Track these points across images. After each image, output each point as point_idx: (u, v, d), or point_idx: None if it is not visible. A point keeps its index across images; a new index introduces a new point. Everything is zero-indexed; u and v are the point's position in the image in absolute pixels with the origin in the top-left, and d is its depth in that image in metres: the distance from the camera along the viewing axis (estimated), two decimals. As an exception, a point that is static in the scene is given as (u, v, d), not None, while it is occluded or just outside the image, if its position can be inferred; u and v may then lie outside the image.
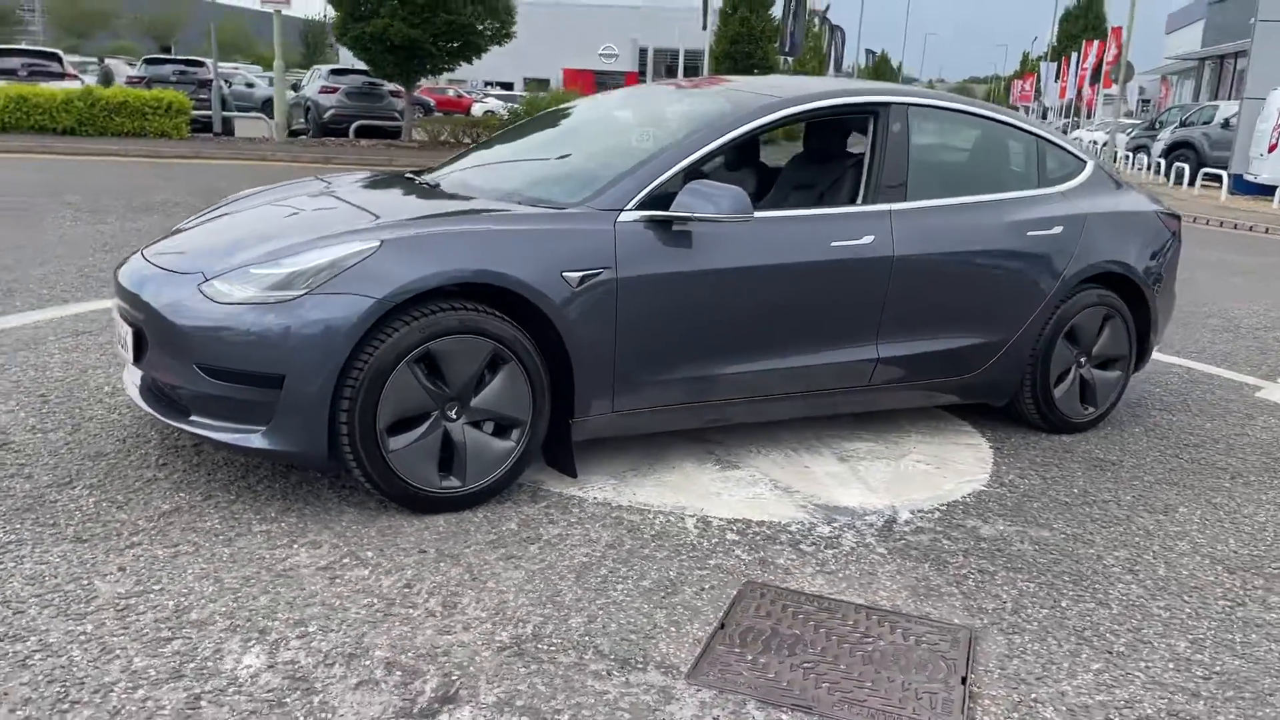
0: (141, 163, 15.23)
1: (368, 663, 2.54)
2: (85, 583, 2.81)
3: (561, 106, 5.16)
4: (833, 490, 3.87)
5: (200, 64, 22.83)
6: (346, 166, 15.40)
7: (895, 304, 4.10)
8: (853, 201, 4.17)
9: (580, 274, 3.45)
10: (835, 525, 3.56)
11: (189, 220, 4.24)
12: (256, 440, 3.20)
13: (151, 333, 3.36)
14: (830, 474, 4.03)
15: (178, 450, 3.80)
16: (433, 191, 4.13)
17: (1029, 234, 4.42)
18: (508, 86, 52.60)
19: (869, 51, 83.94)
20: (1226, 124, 23.12)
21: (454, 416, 3.37)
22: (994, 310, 4.38)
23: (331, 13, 21.17)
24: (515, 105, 30.29)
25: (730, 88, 4.58)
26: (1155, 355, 6.18)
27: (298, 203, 4.08)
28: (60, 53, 22.31)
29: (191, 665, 2.47)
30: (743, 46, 34.06)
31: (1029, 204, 4.51)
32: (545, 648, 2.66)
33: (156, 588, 2.82)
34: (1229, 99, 27.61)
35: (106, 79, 23.94)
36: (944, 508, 3.78)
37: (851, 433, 4.50)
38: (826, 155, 4.65)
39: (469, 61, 21.08)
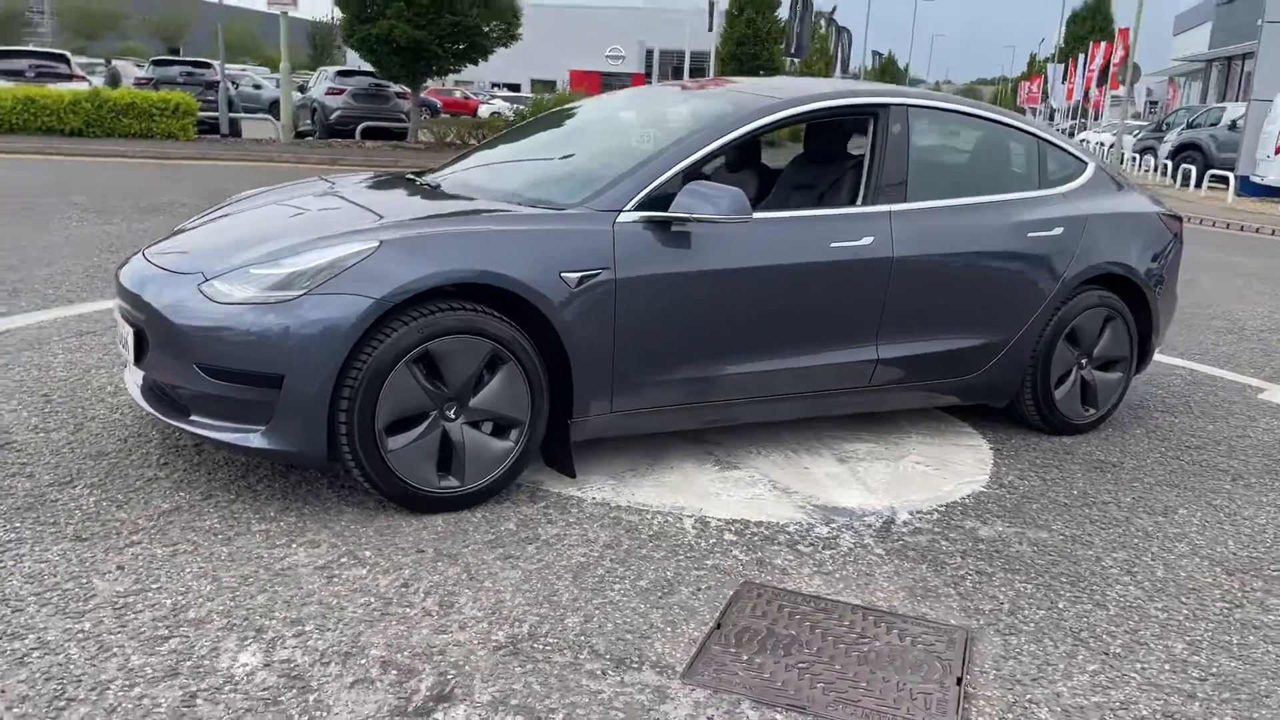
0: (148, 164, 15.29)
1: (363, 661, 2.55)
2: (84, 581, 2.83)
3: (563, 107, 5.17)
4: (832, 491, 3.87)
5: (207, 65, 22.91)
6: (352, 168, 15.43)
7: (895, 305, 4.10)
8: (853, 202, 4.17)
9: (579, 274, 3.46)
10: (833, 526, 3.56)
11: (190, 220, 4.25)
12: (256, 440, 3.22)
13: (152, 333, 3.37)
14: (830, 475, 4.03)
15: (179, 450, 3.82)
16: (433, 192, 4.14)
17: (1029, 235, 4.42)
18: (514, 88, 52.64)
19: (876, 53, 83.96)
20: (1233, 125, 23.07)
21: (453, 416, 3.38)
22: (994, 311, 4.38)
23: (339, 14, 21.22)
24: (521, 107, 30.34)
25: (732, 89, 4.58)
26: (1158, 357, 6.18)
27: (299, 203, 4.10)
28: (68, 54, 22.38)
29: (188, 663, 2.48)
30: (749, 48, 34.05)
31: (1029, 205, 4.51)
32: (541, 647, 2.67)
33: (155, 586, 2.83)
34: (1236, 100, 27.53)
35: (114, 80, 23.99)
36: (943, 509, 3.78)
37: (852, 434, 4.50)
38: (827, 156, 4.65)
39: (474, 63, 21.12)
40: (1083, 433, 4.75)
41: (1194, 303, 8.42)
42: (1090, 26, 51.55)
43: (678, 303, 3.66)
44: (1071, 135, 40.17)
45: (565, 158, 4.43)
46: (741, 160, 5.05)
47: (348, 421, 3.19)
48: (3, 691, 2.33)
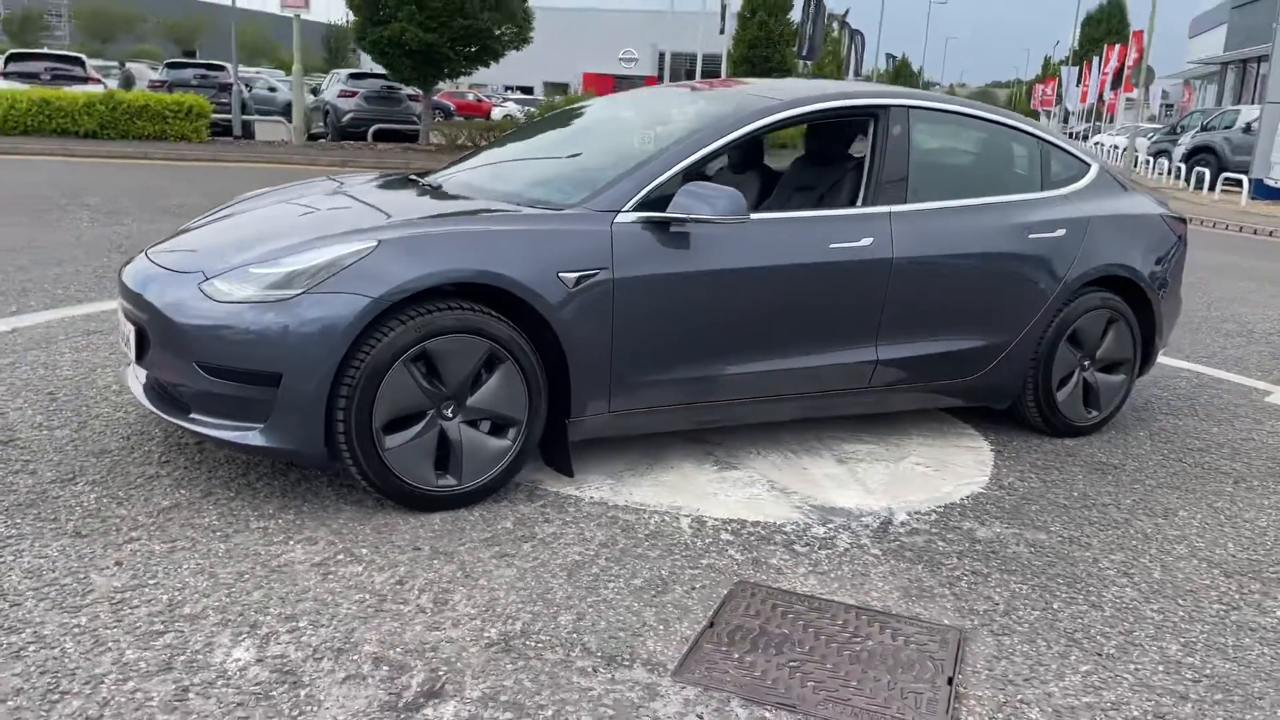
0: (161, 165, 15.39)
1: (356, 657, 2.56)
2: (82, 577, 2.85)
3: (569, 108, 5.19)
4: (830, 492, 3.87)
5: (221, 68, 23.02)
6: (364, 170, 15.50)
7: (895, 306, 4.10)
8: (853, 203, 4.17)
9: (576, 274, 3.47)
10: (830, 526, 3.56)
11: (194, 220, 4.29)
12: (254, 438, 3.24)
13: (153, 331, 3.40)
14: (828, 475, 4.03)
15: (181, 448, 3.84)
16: (434, 192, 4.16)
17: (1030, 236, 4.41)
18: (528, 91, 52.80)
19: (889, 56, 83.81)
20: (1248, 128, 22.94)
21: (450, 415, 3.40)
22: (995, 313, 4.38)
23: (352, 17, 21.32)
24: (531, 109, 30.42)
25: (738, 90, 4.59)
26: (1165, 359, 6.16)
27: (306, 202, 4.12)
28: (83, 57, 22.54)
29: (182, 658, 2.50)
30: (761, 50, 34.04)
31: (1031, 206, 4.50)
32: (533, 644, 2.68)
33: (152, 582, 2.85)
34: (1252, 103, 27.39)
35: (127, 83, 24.16)
36: (941, 510, 3.77)
37: (852, 435, 4.50)
38: (827, 158, 4.65)
39: (486, 66, 21.18)
40: (1085, 435, 4.74)
41: (1204, 305, 8.39)
42: (1105, 29, 51.44)
43: (676, 303, 3.67)
44: (1085, 138, 40.06)
45: (566, 158, 4.45)
46: (745, 161, 5.06)
47: (345, 420, 3.21)
48: (-2, 684, 2.35)
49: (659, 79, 46.18)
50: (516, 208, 3.73)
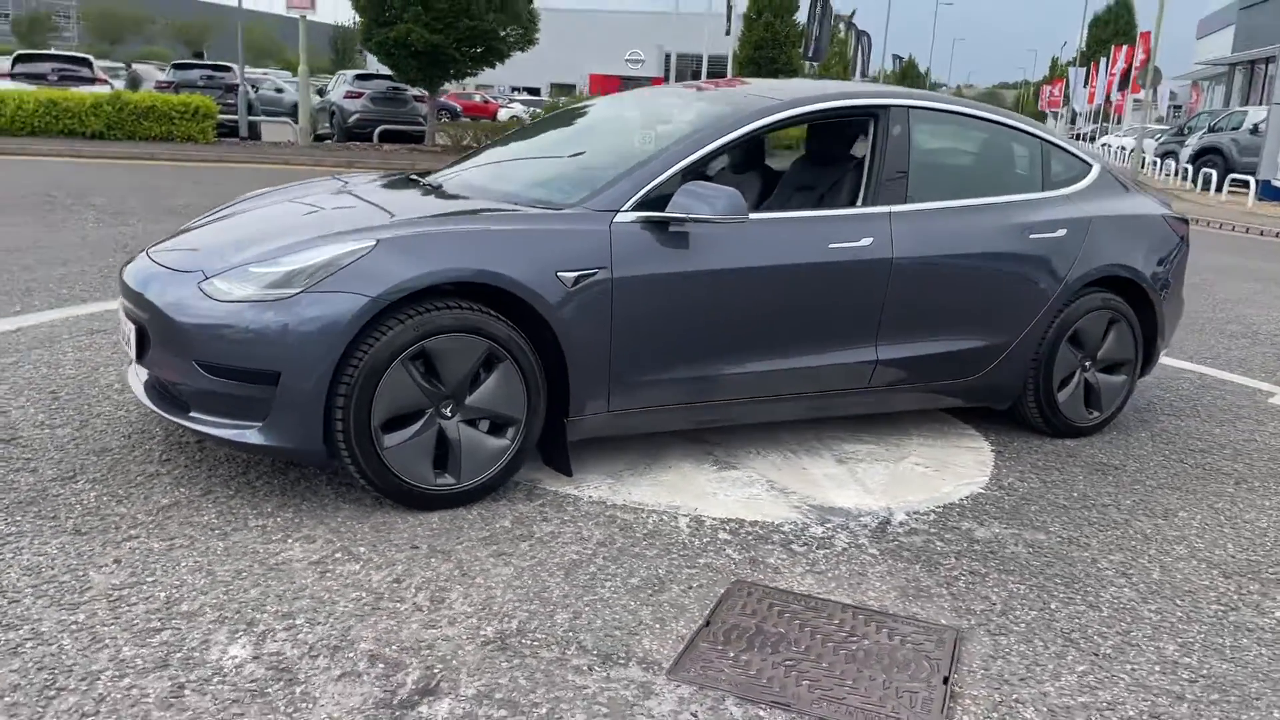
0: (167, 166, 15.43)
1: (352, 655, 2.57)
2: (80, 574, 2.87)
3: (571, 108, 5.19)
4: (829, 491, 3.87)
5: (228, 69, 23.07)
6: (369, 170, 15.52)
7: (894, 306, 4.10)
8: (853, 203, 4.17)
9: (575, 274, 3.48)
10: (829, 526, 3.56)
11: (195, 220, 4.30)
12: (253, 436, 3.25)
13: (153, 330, 3.41)
14: (828, 475, 4.03)
15: (181, 446, 3.86)
16: (434, 192, 4.17)
17: (1031, 237, 4.40)
18: (534, 92, 52.86)
19: (896, 57, 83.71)
20: (1255, 130, 22.87)
21: (449, 414, 3.40)
22: (995, 313, 4.37)
23: (358, 19, 21.36)
24: (536, 110, 30.45)
25: (738, 90, 4.59)
26: (1168, 360, 6.15)
27: (310, 201, 4.13)
28: (91, 58, 22.59)
29: (178, 655, 2.51)
30: (767, 52, 33.98)
31: (1031, 207, 4.49)
32: (529, 642, 2.69)
33: (150, 579, 2.87)
34: (1260, 104, 27.30)
35: (134, 84, 24.24)
36: (940, 510, 3.77)
37: (853, 435, 4.50)
38: (828, 158, 4.65)
39: (491, 67, 21.21)
40: (1086, 435, 4.73)
41: (1208, 306, 8.37)
42: (1113, 30, 51.31)
43: (675, 302, 3.68)
44: (1093, 139, 39.97)
45: (566, 158, 4.45)
46: (746, 161, 5.06)
47: (344, 418, 3.22)
48: (-5, 680, 2.36)
49: (665, 80, 46.20)
50: (516, 207, 3.74)
